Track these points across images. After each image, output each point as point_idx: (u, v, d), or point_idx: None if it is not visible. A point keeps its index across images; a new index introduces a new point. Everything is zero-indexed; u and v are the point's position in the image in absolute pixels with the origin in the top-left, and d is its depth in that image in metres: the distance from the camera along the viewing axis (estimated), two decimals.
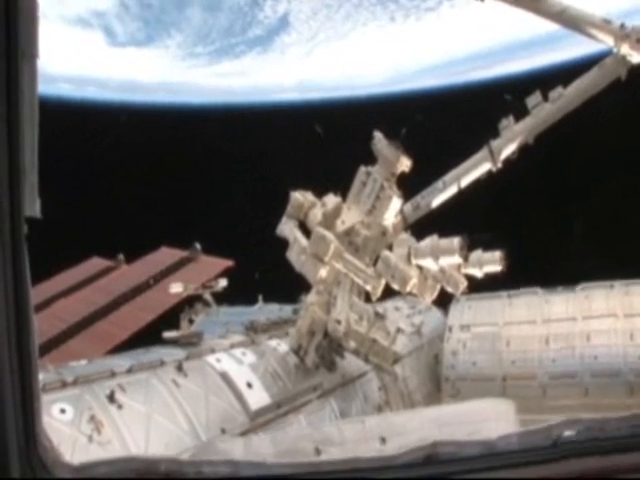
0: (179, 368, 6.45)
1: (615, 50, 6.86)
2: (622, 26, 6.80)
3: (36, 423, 2.71)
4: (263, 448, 4.85)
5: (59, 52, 24.27)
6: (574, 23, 6.99)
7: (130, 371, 6.03)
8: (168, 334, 7.58)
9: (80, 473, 2.88)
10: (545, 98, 7.30)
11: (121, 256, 16.04)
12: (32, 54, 2.55)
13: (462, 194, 7.83)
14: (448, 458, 2.85)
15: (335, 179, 8.69)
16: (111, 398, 5.46)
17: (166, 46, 28.32)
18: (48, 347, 11.21)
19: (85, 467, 2.93)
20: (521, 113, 7.42)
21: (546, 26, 7.39)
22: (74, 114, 23.57)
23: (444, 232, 7.80)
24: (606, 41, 6.89)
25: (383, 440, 4.90)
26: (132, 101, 27.54)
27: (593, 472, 2.61)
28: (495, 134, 7.59)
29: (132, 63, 28.21)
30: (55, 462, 2.84)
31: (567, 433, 2.81)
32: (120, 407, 5.46)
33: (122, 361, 6.35)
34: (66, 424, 4.92)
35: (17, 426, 2.60)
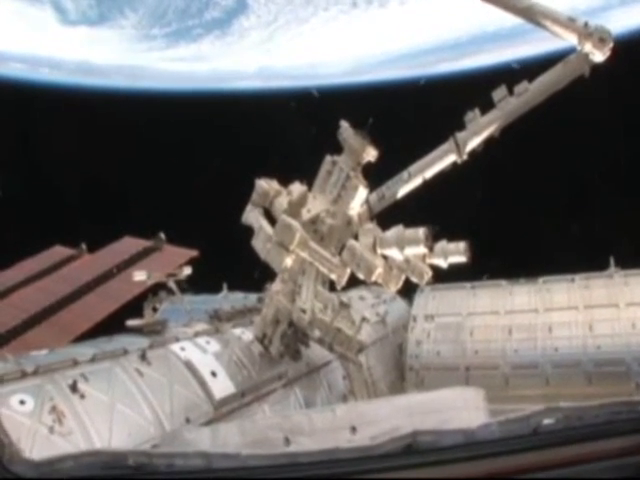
0: (143, 357, 6.39)
1: (579, 48, 6.96)
2: (586, 25, 6.89)
3: None
4: (231, 438, 4.78)
5: (8, 29, 23.18)
6: (539, 19, 7.07)
7: (93, 360, 5.94)
8: (132, 322, 7.48)
9: (42, 469, 2.71)
10: (511, 92, 7.38)
11: (83, 245, 15.74)
12: None
13: (428, 185, 7.89)
14: (428, 447, 2.79)
15: (301, 167, 8.66)
16: (73, 388, 5.38)
17: (121, 26, 27.20)
18: (7, 338, 10.92)
19: (47, 463, 2.75)
20: (487, 106, 7.49)
21: (512, 20, 7.45)
22: (28, 96, 22.83)
23: (410, 222, 7.84)
24: (570, 39, 6.98)
25: (354, 429, 4.83)
26: (87, 85, 26.51)
27: (573, 460, 2.59)
28: (461, 126, 7.65)
29: (85, 44, 26.90)
30: (13, 458, 2.70)
31: (546, 421, 2.79)
32: (82, 397, 5.38)
33: (85, 350, 6.25)
34: (26, 415, 4.79)
35: None
